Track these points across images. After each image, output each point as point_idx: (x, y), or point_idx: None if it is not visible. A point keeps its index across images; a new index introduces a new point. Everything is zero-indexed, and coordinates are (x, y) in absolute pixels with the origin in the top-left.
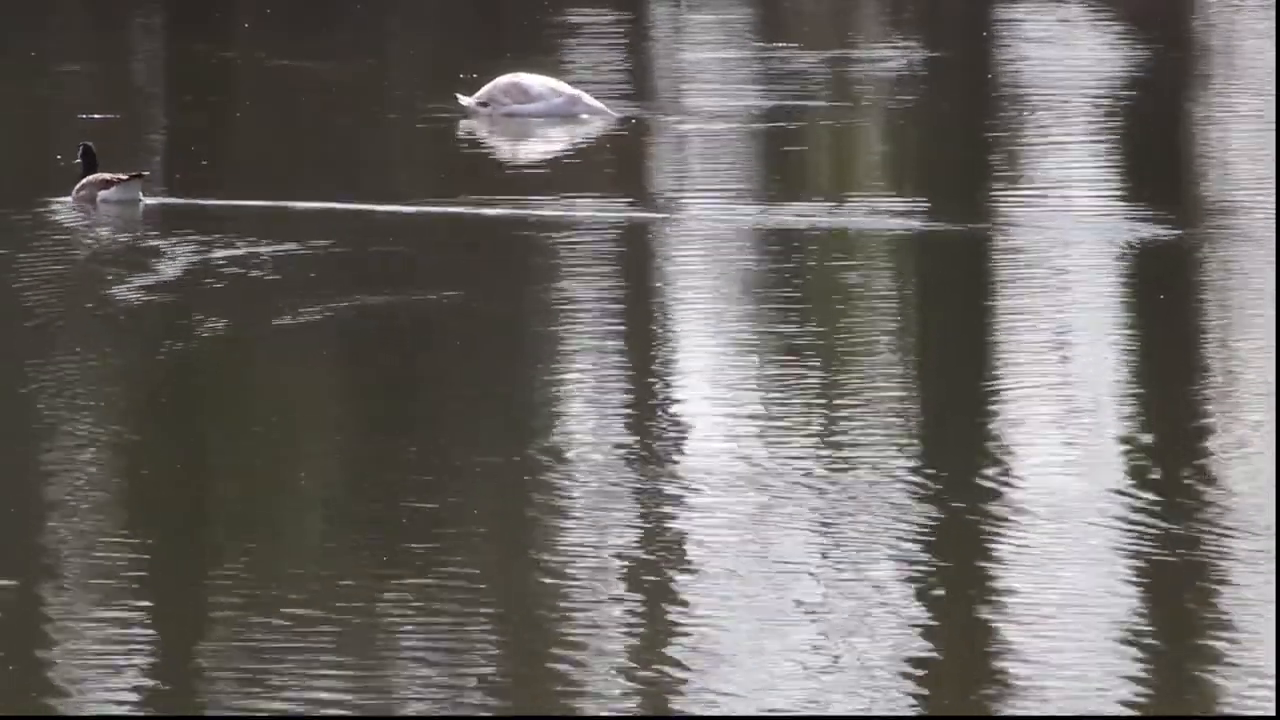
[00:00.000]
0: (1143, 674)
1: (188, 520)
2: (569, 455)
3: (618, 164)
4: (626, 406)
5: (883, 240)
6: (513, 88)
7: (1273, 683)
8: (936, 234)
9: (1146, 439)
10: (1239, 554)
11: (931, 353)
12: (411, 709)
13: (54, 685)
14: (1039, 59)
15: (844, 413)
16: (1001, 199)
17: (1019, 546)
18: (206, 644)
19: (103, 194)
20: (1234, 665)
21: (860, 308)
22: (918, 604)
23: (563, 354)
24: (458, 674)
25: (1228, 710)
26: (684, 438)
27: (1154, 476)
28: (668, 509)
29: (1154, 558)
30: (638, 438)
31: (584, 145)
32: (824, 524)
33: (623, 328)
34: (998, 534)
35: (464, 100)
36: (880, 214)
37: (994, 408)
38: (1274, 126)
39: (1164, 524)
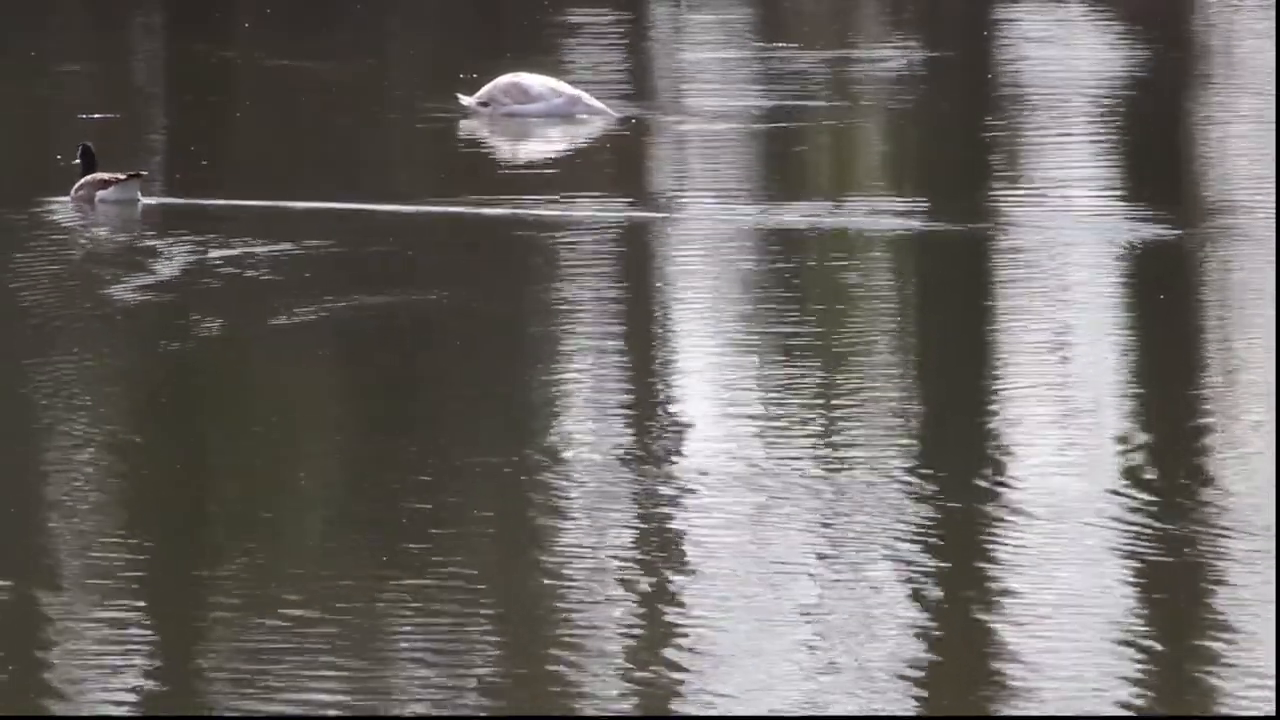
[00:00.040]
0: (1141, 674)
1: (187, 520)
2: (568, 455)
3: (618, 164)
4: (626, 407)
5: (883, 240)
6: (513, 88)
7: (1272, 683)
8: (936, 234)
9: (1145, 439)
10: (1238, 554)
11: (931, 353)
12: (410, 709)
13: (53, 685)
14: (1039, 59)
15: (843, 413)
16: (1001, 199)
17: (1017, 547)
18: (206, 644)
19: (101, 194)
20: (1233, 666)
21: (860, 308)
22: (916, 605)
23: (563, 354)
24: (457, 674)
25: (1227, 711)
26: (683, 438)
27: (1153, 477)
28: (667, 509)
29: (1152, 558)
30: (637, 438)
31: (584, 145)
32: (822, 524)
33: (623, 328)
34: (996, 534)
35: (464, 100)
36: (880, 214)
37: (993, 408)
38: (1274, 126)
39: (1163, 524)
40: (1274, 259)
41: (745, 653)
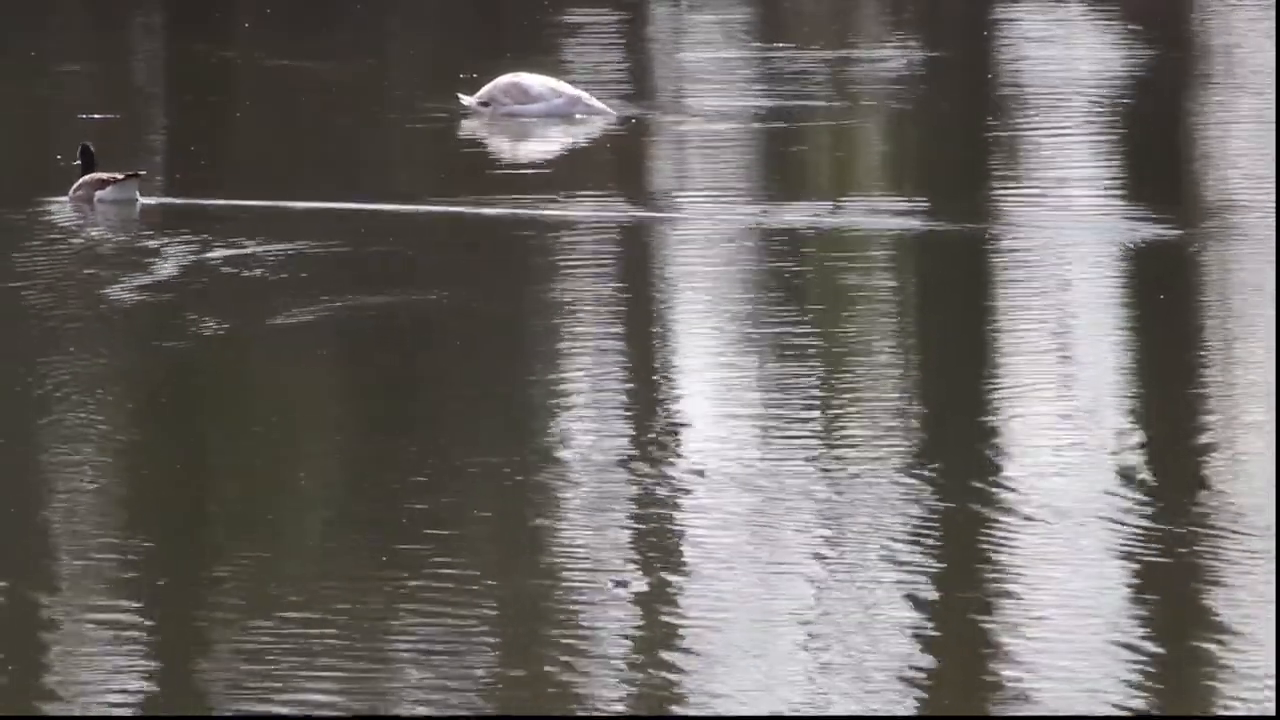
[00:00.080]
0: (1140, 675)
1: (187, 520)
2: (568, 456)
3: (618, 164)
4: (625, 407)
5: (883, 240)
6: (513, 88)
7: (1272, 684)
8: (936, 234)
9: (1145, 439)
10: (1237, 555)
11: (931, 353)
12: (410, 710)
13: (53, 685)
14: (1039, 59)
15: (842, 413)
16: (1001, 199)
17: (1017, 547)
18: (205, 645)
19: (100, 194)
20: (1232, 667)
21: (860, 308)
22: (914, 605)
23: (563, 354)
24: (457, 674)
25: (1227, 712)
26: (683, 438)
27: (1152, 477)
28: (666, 510)
29: (1151, 559)
30: (636, 438)
31: (584, 145)
32: (821, 525)
33: (623, 328)
34: (995, 535)
35: (464, 100)
36: (880, 214)
37: (992, 408)
38: (1274, 126)
39: (1162, 524)
40: (1274, 259)
41: (743, 653)
